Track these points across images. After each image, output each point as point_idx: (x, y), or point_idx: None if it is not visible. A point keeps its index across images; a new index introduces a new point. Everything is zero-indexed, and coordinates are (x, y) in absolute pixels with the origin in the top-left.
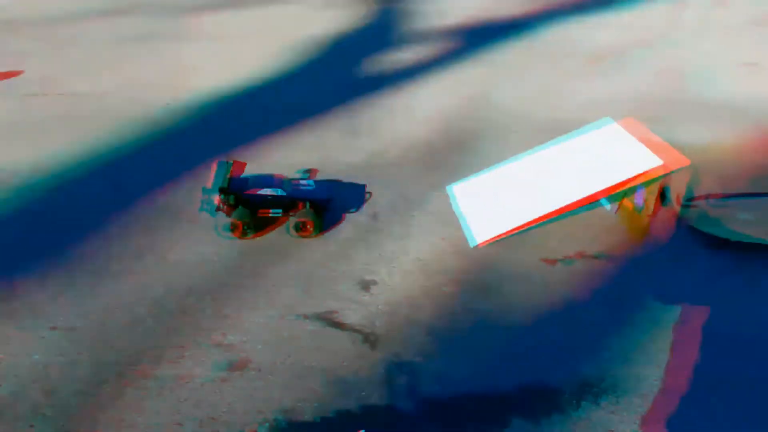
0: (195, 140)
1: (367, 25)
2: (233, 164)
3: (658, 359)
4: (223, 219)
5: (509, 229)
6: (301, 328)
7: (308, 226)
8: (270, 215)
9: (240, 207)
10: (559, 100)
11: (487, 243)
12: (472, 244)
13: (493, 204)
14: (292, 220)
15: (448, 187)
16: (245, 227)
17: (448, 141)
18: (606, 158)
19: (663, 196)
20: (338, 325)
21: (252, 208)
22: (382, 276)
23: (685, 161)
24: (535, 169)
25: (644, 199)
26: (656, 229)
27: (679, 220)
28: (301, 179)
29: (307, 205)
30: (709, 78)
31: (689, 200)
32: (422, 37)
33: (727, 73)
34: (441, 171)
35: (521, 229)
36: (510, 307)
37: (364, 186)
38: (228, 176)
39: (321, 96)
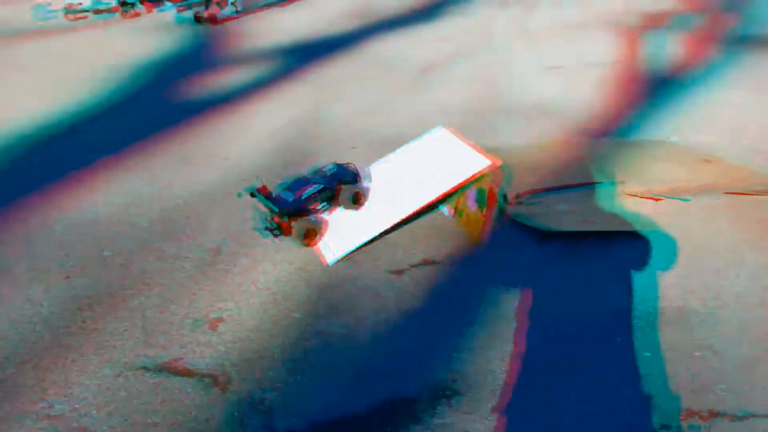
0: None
1: (191, 47)
2: (261, 189)
3: (504, 351)
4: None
5: (357, 245)
6: (141, 383)
7: (312, 234)
8: (319, 209)
9: (299, 219)
10: (391, 113)
11: (338, 261)
12: (326, 263)
13: (338, 222)
14: (300, 229)
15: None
16: (315, 229)
17: (287, 162)
18: (441, 163)
19: (488, 196)
20: (184, 373)
21: (307, 212)
22: (230, 311)
23: (498, 161)
24: (377, 182)
25: (473, 200)
26: (488, 227)
27: (507, 217)
28: (324, 167)
29: (341, 188)
30: (523, 82)
31: (514, 198)
32: (247, 58)
33: (538, 76)
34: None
35: (368, 243)
36: (362, 324)
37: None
38: (271, 198)
39: (144, 124)
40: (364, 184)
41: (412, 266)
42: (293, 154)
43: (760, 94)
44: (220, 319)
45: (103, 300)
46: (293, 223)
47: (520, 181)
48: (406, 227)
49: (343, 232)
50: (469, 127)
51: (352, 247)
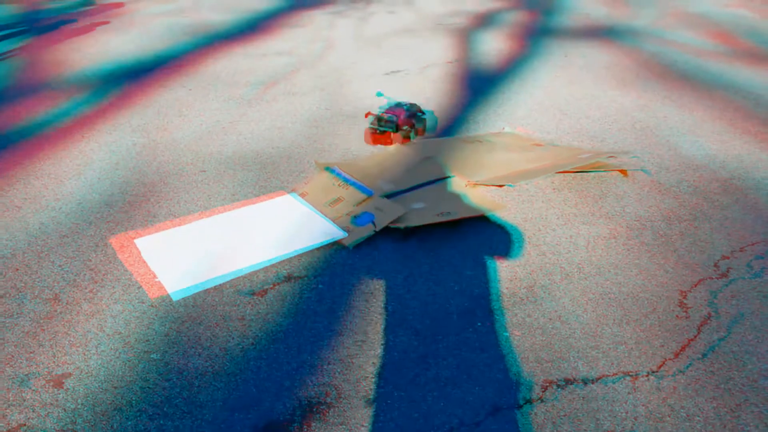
0: None
1: None
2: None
3: (373, 356)
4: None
5: (200, 283)
6: None
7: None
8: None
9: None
10: (239, 131)
11: (184, 294)
12: (174, 298)
13: (185, 257)
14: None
15: (136, 241)
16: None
17: (133, 194)
18: (288, 230)
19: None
20: None
21: (403, 127)
22: (78, 364)
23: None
24: (221, 230)
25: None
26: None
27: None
28: (389, 103)
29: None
30: (365, 88)
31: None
32: (79, 86)
33: (378, 81)
34: (126, 228)
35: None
36: (226, 353)
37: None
38: (388, 112)
39: None
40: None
41: (276, 284)
42: (139, 184)
43: (574, 80)
44: (66, 374)
45: None
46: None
47: (375, 185)
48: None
49: (187, 265)
50: (316, 137)
51: (200, 284)
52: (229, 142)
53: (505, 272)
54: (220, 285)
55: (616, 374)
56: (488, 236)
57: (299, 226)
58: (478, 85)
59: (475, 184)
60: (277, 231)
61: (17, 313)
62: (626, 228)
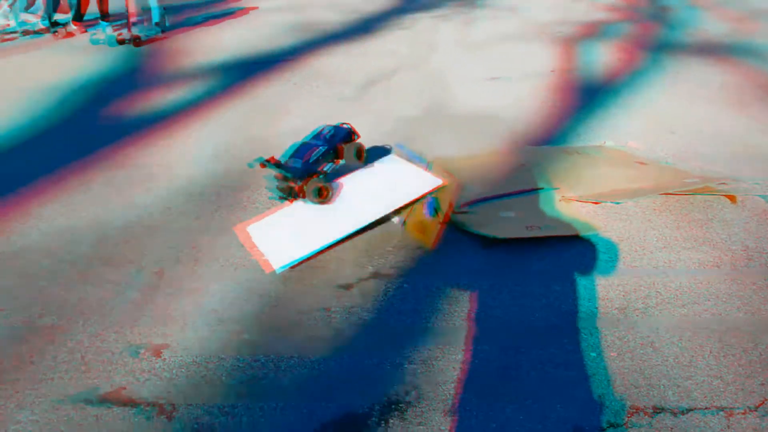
0: None
1: (123, 68)
2: (269, 159)
3: (455, 360)
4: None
5: (307, 252)
6: (81, 416)
7: (325, 191)
8: (327, 171)
9: (309, 181)
10: None
11: (286, 269)
12: (273, 269)
13: (287, 234)
14: (311, 188)
15: (239, 226)
16: (326, 188)
17: (236, 181)
18: (390, 184)
19: (439, 207)
20: (128, 404)
21: (316, 173)
22: (175, 336)
23: (449, 177)
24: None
25: (426, 210)
26: (436, 238)
27: (454, 227)
28: (323, 130)
29: (341, 147)
30: (465, 93)
31: (460, 207)
32: (191, 75)
33: (479, 87)
34: (230, 212)
35: (315, 254)
36: (311, 341)
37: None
38: (281, 165)
39: (77, 147)
40: (360, 140)
41: (362, 280)
42: (238, 172)
43: (685, 99)
44: (165, 345)
45: (40, 332)
46: (305, 185)
47: (464, 190)
48: (355, 240)
49: (290, 242)
50: (415, 138)
51: (299, 257)
52: None
53: (596, 291)
54: (309, 274)
55: (710, 408)
56: (581, 252)
57: (400, 182)
58: (582, 97)
59: (571, 200)
60: (378, 190)
61: (126, 283)
62: (731, 257)
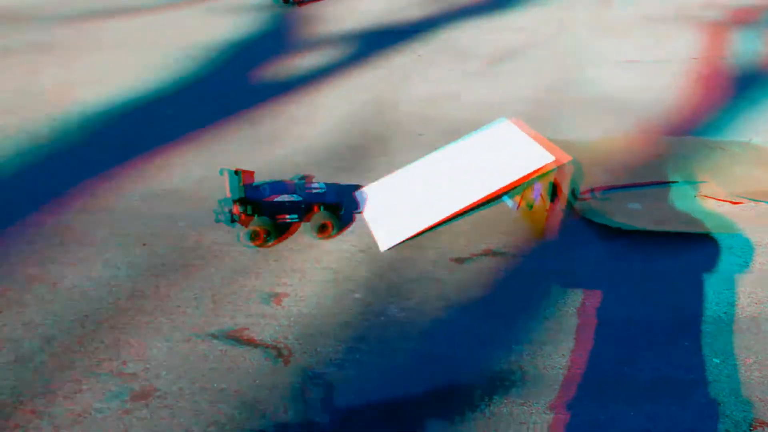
0: (85, 156)
1: (266, 30)
2: (242, 173)
3: (564, 347)
4: (239, 228)
5: (416, 230)
6: (209, 349)
7: (329, 227)
8: (287, 221)
9: (256, 215)
10: (461, 101)
11: (396, 246)
12: (381, 249)
13: (400, 207)
14: (315, 223)
15: (356, 193)
16: (266, 235)
17: (355, 146)
18: (504, 157)
19: (555, 191)
20: (249, 343)
21: (270, 215)
22: (294, 287)
23: (567, 157)
24: (438, 171)
25: (540, 194)
26: (554, 222)
27: (573, 212)
28: (313, 184)
29: (321, 208)
30: (596, 75)
31: (581, 193)
32: (324, 41)
33: (611, 70)
34: (348, 176)
35: (428, 230)
36: (421, 309)
37: (360, 187)
38: (242, 186)
39: (221, 103)
40: (343, 211)
41: (474, 255)
42: (361, 137)
43: None
44: (284, 294)
45: (176, 268)
46: (313, 216)
47: (591, 176)
48: (468, 217)
49: (399, 218)
50: (538, 119)
51: (408, 235)
52: (449, 109)
53: (725, 296)
54: (422, 243)
55: None
56: (712, 252)
57: (511, 155)
58: (729, 88)
59: (708, 197)
60: (488, 163)
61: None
62: None
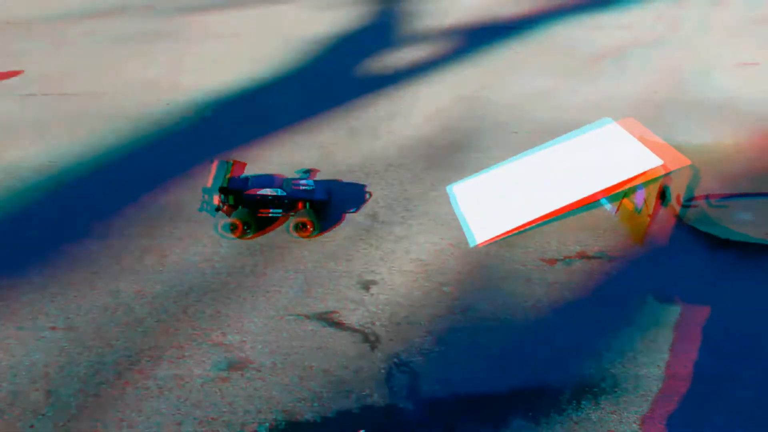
0: (194, 140)
1: (366, 25)
2: (233, 164)
3: (659, 359)
4: (224, 219)
5: (509, 229)
6: (301, 328)
7: (308, 226)
8: (270, 215)
9: (240, 207)
10: (558, 101)
11: (487, 243)
12: (471, 244)
13: (493, 204)
14: (292, 220)
15: (448, 188)
16: (245, 227)
17: (448, 141)
18: (606, 158)
19: (663, 195)
20: (338, 325)
21: (252, 207)
22: (383, 276)
23: (684, 161)
24: (535, 169)
25: (644, 199)
26: (656, 229)
27: (679, 220)
28: (301, 179)
29: (307, 205)
30: (709, 78)
31: (689, 200)
32: (422, 37)
33: (726, 72)
34: (441, 171)
35: (521, 229)
36: (510, 307)
37: (363, 186)
38: (228, 176)
39: (319, 96)
40: (325, 209)
41: (567, 257)
42: (455, 132)
43: None
44: (373, 282)
45: (273, 249)
46: (292, 214)
47: (703, 182)
48: (563, 218)
49: (493, 215)
50: (643, 120)
51: (501, 232)
52: (546, 107)
53: None
54: (513, 242)
55: None
56: None
57: (614, 157)
58: None
59: None
60: (589, 164)
61: (346, 220)
62: None
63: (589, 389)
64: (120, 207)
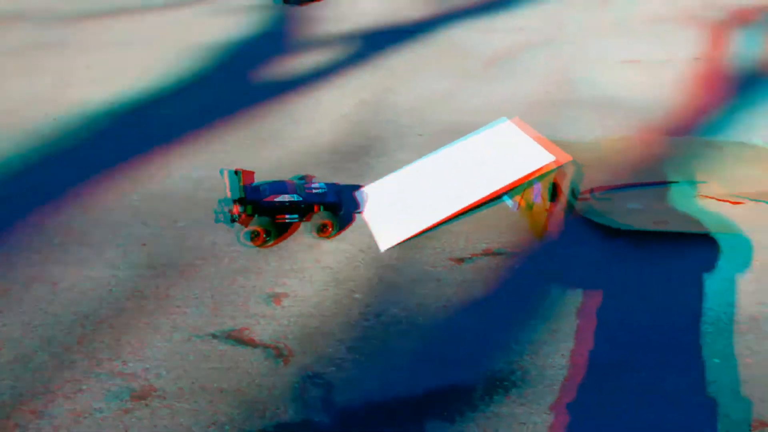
0: (84, 157)
1: (264, 31)
2: (242, 173)
3: (564, 348)
4: (239, 228)
5: (415, 231)
6: (209, 348)
7: (329, 227)
8: (286, 221)
9: (257, 215)
10: (458, 103)
11: (396, 245)
12: (381, 249)
13: (399, 207)
14: (315, 223)
15: (356, 193)
16: (266, 235)
17: (354, 146)
18: (503, 156)
19: (556, 190)
20: (249, 343)
21: (270, 215)
22: (293, 288)
23: (568, 157)
24: (438, 171)
25: (540, 194)
26: (553, 222)
27: (573, 212)
28: (312, 183)
29: (321, 208)
30: (596, 76)
31: (581, 193)
32: (322, 42)
33: (611, 70)
34: (347, 176)
35: (428, 230)
36: (421, 308)
37: (360, 187)
38: (242, 186)
39: (221, 103)
40: (342, 211)
41: (474, 255)
42: (360, 137)
43: None
44: (284, 294)
45: (176, 268)
46: (313, 216)
47: (591, 176)
48: (467, 217)
49: (398, 218)
50: (538, 120)
51: (407, 235)
52: (448, 110)
53: (725, 296)
54: (422, 243)
55: None
56: (713, 253)
57: (511, 154)
58: (730, 89)
59: (709, 197)
60: (488, 163)
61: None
62: None
63: (500, 383)
64: (3, 231)
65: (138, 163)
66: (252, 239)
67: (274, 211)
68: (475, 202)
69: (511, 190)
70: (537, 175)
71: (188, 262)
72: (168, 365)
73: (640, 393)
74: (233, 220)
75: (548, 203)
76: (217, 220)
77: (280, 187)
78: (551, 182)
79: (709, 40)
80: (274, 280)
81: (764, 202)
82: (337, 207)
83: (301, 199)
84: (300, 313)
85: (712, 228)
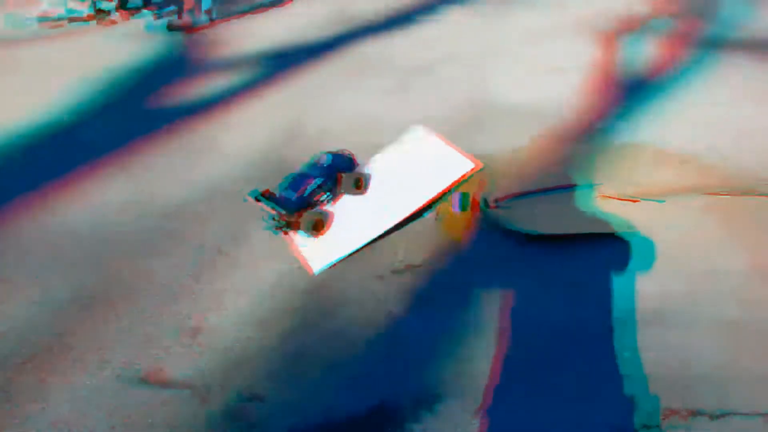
0: None
1: (169, 55)
2: (264, 192)
3: (488, 355)
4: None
5: (347, 252)
6: (123, 392)
7: (320, 225)
8: (324, 200)
9: (304, 214)
10: (376, 118)
11: (325, 268)
12: (313, 271)
13: (330, 227)
14: (307, 222)
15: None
16: (321, 222)
17: (271, 171)
18: (427, 166)
19: (470, 199)
20: (166, 384)
21: (312, 205)
22: (214, 319)
23: (479, 164)
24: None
25: (459, 202)
26: (469, 231)
27: (488, 221)
28: (320, 159)
29: (344, 175)
30: (500, 87)
31: (494, 201)
32: (230, 64)
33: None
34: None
35: (355, 252)
36: (346, 329)
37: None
38: (274, 199)
39: (125, 131)
40: (362, 168)
41: (394, 272)
42: (275, 161)
43: (733, 97)
44: (202, 328)
45: (101, 302)
46: (304, 215)
47: (500, 184)
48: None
49: (330, 239)
50: (451, 132)
51: (339, 256)
52: (361, 127)
53: (632, 292)
54: (351, 259)
55: (750, 413)
56: (618, 251)
57: (433, 165)
58: (623, 94)
59: (611, 197)
60: (412, 176)
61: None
62: None
63: (426, 398)
64: None
65: (52, 192)
66: (316, 230)
67: (312, 200)
68: (405, 217)
69: (433, 203)
70: (459, 182)
71: (100, 299)
72: (96, 404)
73: (559, 390)
74: (286, 228)
75: (465, 212)
76: (275, 233)
77: (299, 180)
78: (465, 192)
79: (601, 48)
80: (201, 307)
81: (658, 201)
82: (353, 166)
83: (323, 178)
84: (221, 345)
85: (615, 228)
